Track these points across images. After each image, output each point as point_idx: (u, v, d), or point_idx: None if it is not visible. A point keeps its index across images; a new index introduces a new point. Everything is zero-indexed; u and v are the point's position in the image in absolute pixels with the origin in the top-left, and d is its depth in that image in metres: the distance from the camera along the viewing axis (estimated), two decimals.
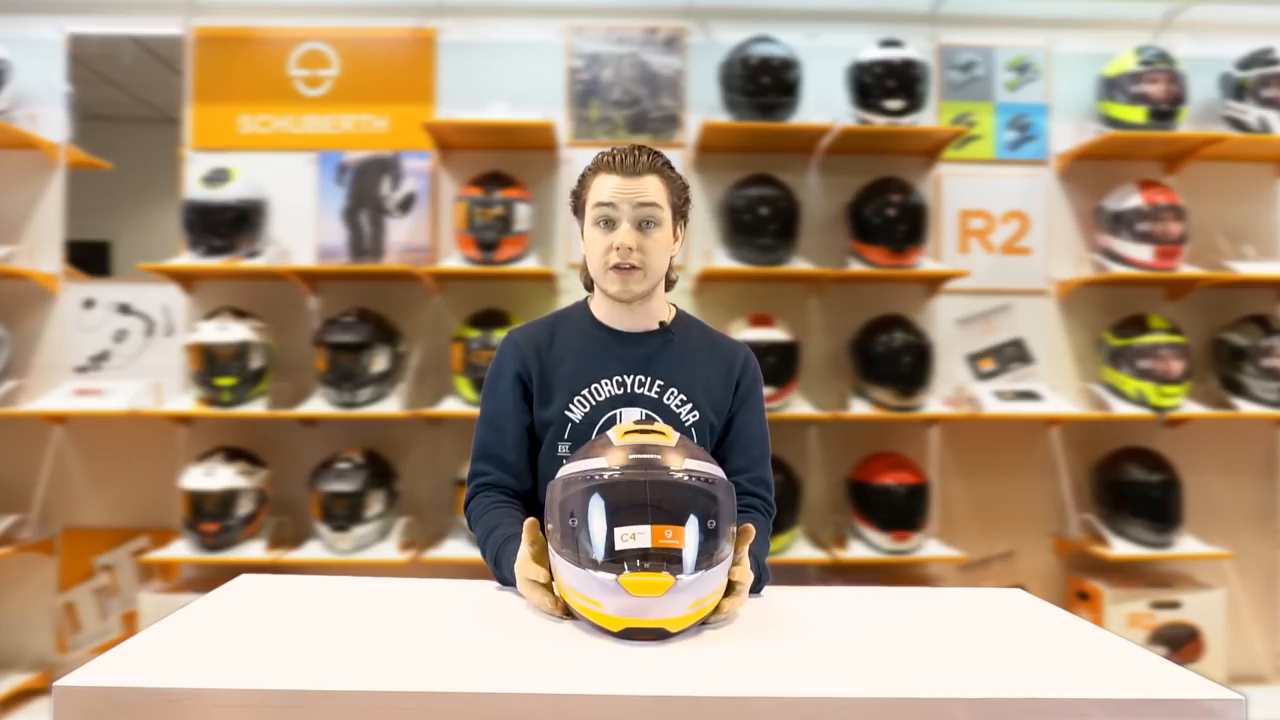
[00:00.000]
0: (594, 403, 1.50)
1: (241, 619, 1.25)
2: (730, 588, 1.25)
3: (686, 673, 1.04)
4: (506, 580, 1.43)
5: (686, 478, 1.20)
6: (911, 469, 3.58)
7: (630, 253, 1.44)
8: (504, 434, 1.54)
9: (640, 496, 1.18)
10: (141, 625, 3.29)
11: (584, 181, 1.52)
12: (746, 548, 1.29)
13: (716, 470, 1.25)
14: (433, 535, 3.63)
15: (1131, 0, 3.88)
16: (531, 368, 1.53)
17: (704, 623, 1.22)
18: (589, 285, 1.59)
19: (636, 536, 1.15)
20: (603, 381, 1.51)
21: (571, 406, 1.50)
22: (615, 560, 1.15)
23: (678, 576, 1.14)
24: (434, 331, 3.75)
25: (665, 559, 1.14)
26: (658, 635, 1.15)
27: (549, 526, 1.26)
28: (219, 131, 3.77)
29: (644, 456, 1.21)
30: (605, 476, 1.20)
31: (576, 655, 1.11)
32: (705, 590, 1.17)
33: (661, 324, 1.55)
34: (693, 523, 1.17)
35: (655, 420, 1.43)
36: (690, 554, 1.16)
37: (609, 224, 1.46)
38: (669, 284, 1.58)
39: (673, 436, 1.27)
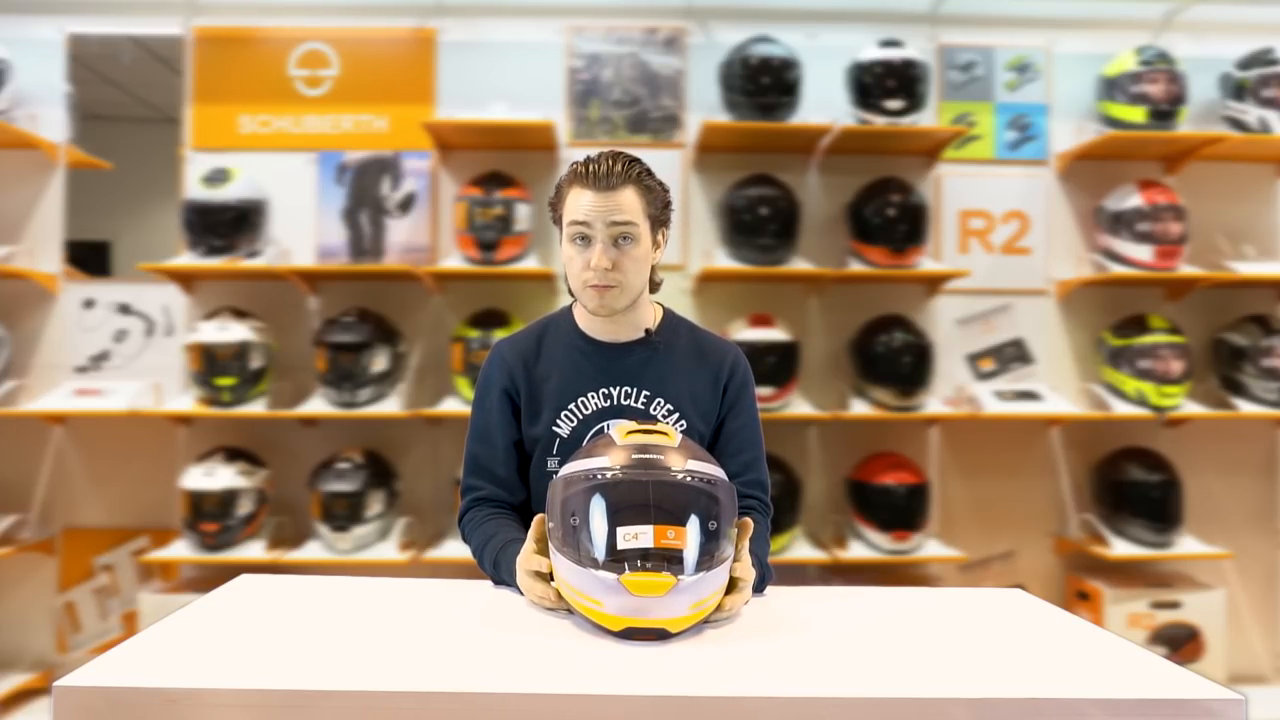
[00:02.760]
0: (581, 417, 1.50)
1: (241, 619, 1.25)
2: (732, 585, 1.25)
3: (686, 673, 1.04)
4: (507, 584, 1.43)
5: (688, 478, 1.20)
6: (911, 469, 3.58)
7: (606, 273, 1.42)
8: (493, 448, 1.55)
9: (643, 496, 1.18)
10: (141, 625, 3.29)
11: (559, 193, 1.48)
12: (747, 543, 1.29)
13: (718, 471, 1.25)
14: (433, 535, 3.63)
15: (1131, 0, 3.88)
16: (519, 383, 1.53)
17: (706, 621, 1.22)
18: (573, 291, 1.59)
19: (639, 536, 1.15)
20: (589, 395, 1.51)
21: (559, 422, 1.50)
22: (617, 560, 1.15)
23: (679, 577, 1.14)
24: (434, 331, 3.75)
25: (667, 559, 1.15)
26: (659, 635, 1.15)
27: (549, 525, 1.26)
28: (219, 131, 3.77)
29: (646, 456, 1.21)
30: (607, 476, 1.20)
31: (576, 655, 1.11)
32: (706, 591, 1.18)
33: (647, 331, 1.53)
34: (694, 523, 1.17)
35: (657, 420, 1.43)
36: (692, 554, 1.16)
37: (584, 240, 1.43)
38: (654, 286, 1.56)
39: (675, 437, 1.27)
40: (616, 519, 1.17)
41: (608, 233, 1.42)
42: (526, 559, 1.31)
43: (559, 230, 1.51)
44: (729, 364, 1.55)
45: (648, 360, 1.52)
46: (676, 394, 1.51)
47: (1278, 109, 3.66)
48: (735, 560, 1.25)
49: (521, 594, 1.36)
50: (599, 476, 1.20)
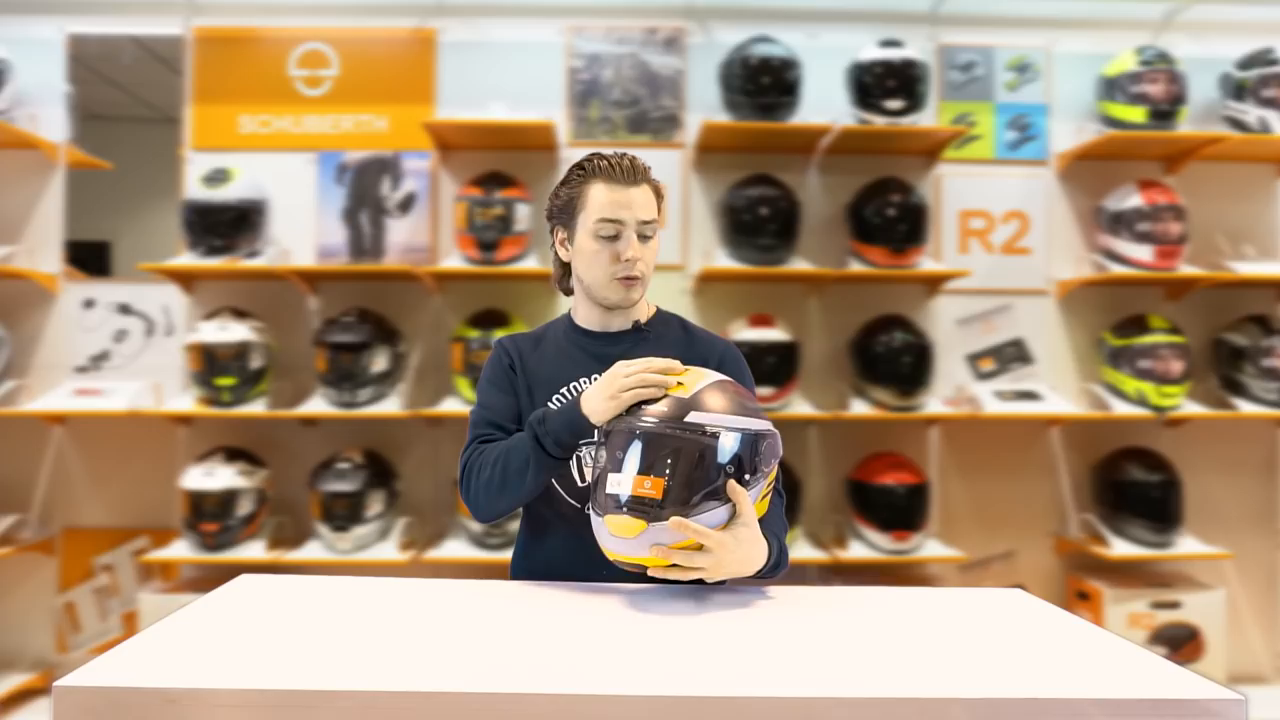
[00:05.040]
0: (570, 400, 1.51)
1: (241, 619, 1.25)
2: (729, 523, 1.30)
3: (686, 673, 1.04)
4: (550, 431, 1.41)
5: (676, 430, 1.26)
6: (911, 469, 3.58)
7: (636, 263, 1.49)
8: (498, 411, 1.56)
9: (632, 446, 1.27)
10: (141, 625, 3.29)
11: (574, 187, 1.52)
12: (739, 525, 1.29)
13: (734, 421, 1.28)
14: (433, 535, 3.63)
15: (1131, 0, 3.88)
16: (517, 365, 1.58)
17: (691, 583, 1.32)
18: (566, 290, 1.62)
19: (622, 483, 1.26)
20: (580, 380, 1.54)
21: (550, 405, 1.53)
22: (608, 502, 1.27)
23: (650, 523, 1.23)
24: (434, 331, 3.75)
25: (643, 505, 1.24)
26: (641, 569, 1.28)
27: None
28: (219, 131, 3.77)
29: (648, 407, 1.30)
30: (615, 425, 1.31)
31: (576, 655, 1.11)
32: (679, 538, 1.24)
33: (636, 323, 1.59)
34: (675, 475, 1.25)
35: (686, 371, 1.39)
36: (665, 503, 1.24)
37: (611, 236, 1.49)
38: None
39: (691, 388, 1.31)
40: (611, 466, 1.29)
41: (637, 229, 1.50)
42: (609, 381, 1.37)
43: (559, 225, 1.57)
44: (719, 354, 1.58)
45: (636, 346, 1.56)
46: None
47: (1278, 109, 3.66)
48: (736, 525, 1.28)
49: (584, 427, 1.39)
50: (615, 426, 1.31)
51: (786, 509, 1.53)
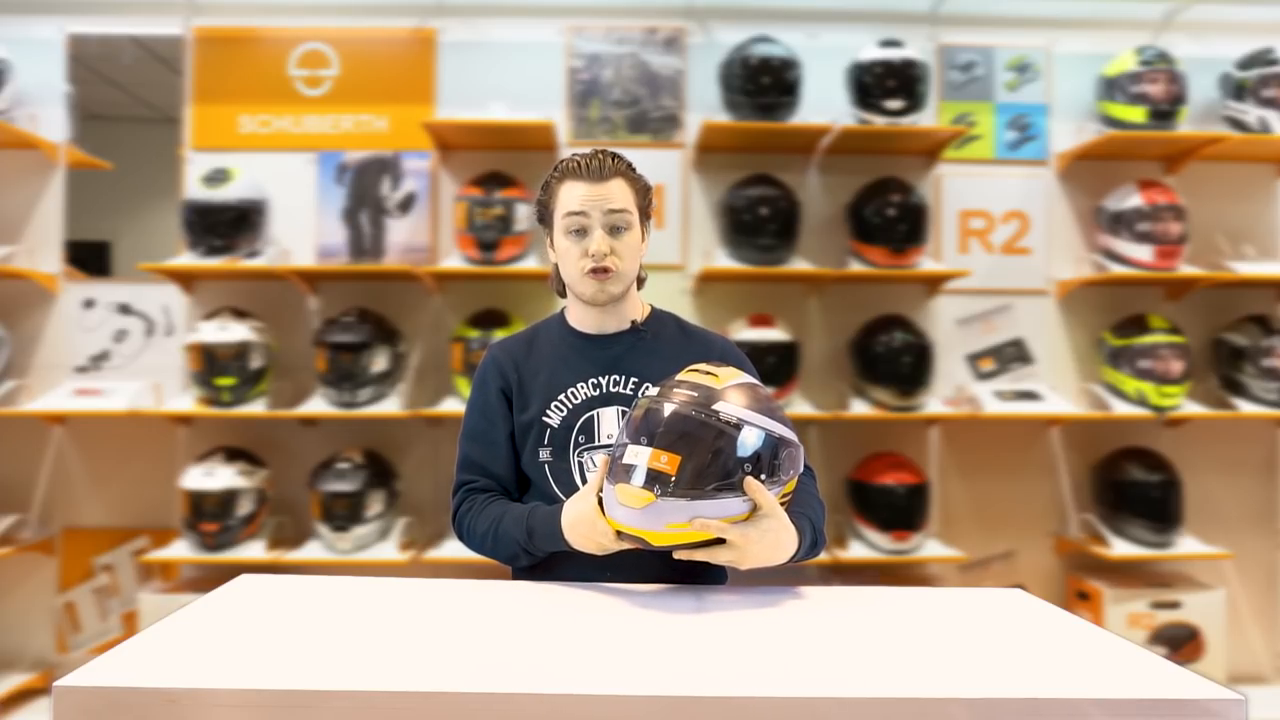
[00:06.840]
0: (570, 406, 1.52)
1: (241, 619, 1.25)
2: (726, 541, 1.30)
3: (686, 673, 1.04)
4: (539, 549, 1.45)
5: (702, 414, 1.27)
6: (911, 469, 3.58)
7: (604, 256, 1.47)
8: (488, 446, 1.56)
9: (655, 423, 1.28)
10: (141, 625, 3.29)
11: (549, 189, 1.53)
12: (763, 521, 1.30)
13: (759, 420, 1.29)
14: (433, 535, 3.63)
15: (1131, 0, 3.88)
16: (511, 380, 1.56)
17: (706, 545, 1.30)
18: (562, 291, 1.61)
19: (639, 455, 1.28)
20: (578, 385, 1.53)
21: (549, 412, 1.52)
22: (622, 472, 1.29)
23: (659, 497, 1.24)
24: (434, 331, 3.75)
25: (655, 480, 1.25)
26: (642, 543, 1.29)
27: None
28: (219, 131, 3.77)
29: (677, 391, 1.31)
30: (643, 403, 1.33)
31: (576, 655, 1.11)
32: (685, 516, 1.26)
33: (633, 323, 1.57)
34: (692, 455, 1.26)
35: (716, 369, 1.40)
36: (678, 481, 1.25)
37: (580, 232, 1.48)
38: (639, 282, 1.60)
39: (724, 380, 1.32)
40: (632, 439, 1.30)
41: (604, 220, 1.48)
42: (596, 528, 1.34)
43: (547, 229, 1.56)
44: (718, 349, 1.59)
45: (634, 347, 1.55)
46: (663, 377, 1.51)
47: (1278, 109, 3.66)
48: (759, 517, 1.28)
49: (568, 548, 1.40)
50: (637, 404, 1.33)
51: None
